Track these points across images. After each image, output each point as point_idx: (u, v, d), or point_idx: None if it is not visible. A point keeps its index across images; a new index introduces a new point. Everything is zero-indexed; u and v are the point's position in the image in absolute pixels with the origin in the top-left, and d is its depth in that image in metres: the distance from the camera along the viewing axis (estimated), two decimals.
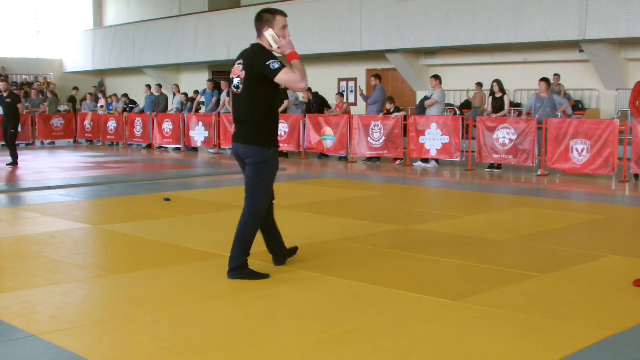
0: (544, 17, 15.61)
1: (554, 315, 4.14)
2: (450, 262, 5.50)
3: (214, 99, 17.95)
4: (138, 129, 19.59)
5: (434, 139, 13.59)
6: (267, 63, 4.75)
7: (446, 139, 13.41)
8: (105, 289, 4.89)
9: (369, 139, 14.53)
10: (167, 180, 11.77)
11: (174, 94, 19.58)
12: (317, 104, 16.28)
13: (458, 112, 17.50)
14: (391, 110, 14.48)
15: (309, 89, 16.12)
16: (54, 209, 8.33)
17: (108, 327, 3.99)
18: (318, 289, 4.79)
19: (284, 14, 4.92)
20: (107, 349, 3.64)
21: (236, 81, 4.95)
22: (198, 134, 17.82)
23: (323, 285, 4.87)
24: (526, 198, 9.47)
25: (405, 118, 14.21)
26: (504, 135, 12.71)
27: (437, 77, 14.11)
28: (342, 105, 15.95)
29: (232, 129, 5.02)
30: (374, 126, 14.46)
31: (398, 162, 14.28)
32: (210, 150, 17.71)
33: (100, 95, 22.74)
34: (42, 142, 21.16)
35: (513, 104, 17.08)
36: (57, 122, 21.28)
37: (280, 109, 16.10)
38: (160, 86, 19.90)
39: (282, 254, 5.37)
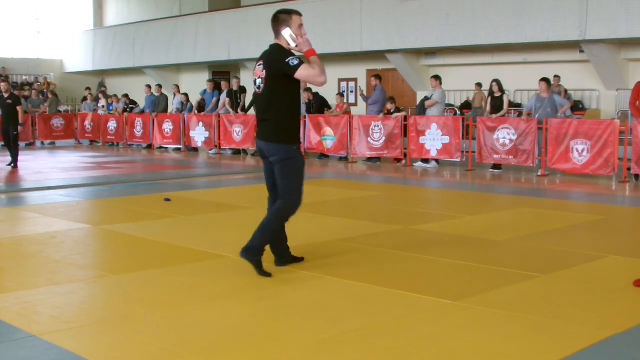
0: (544, 17, 15.61)
1: (554, 315, 4.14)
2: (450, 262, 5.50)
3: (214, 99, 17.95)
4: (138, 129, 19.59)
5: (434, 139, 13.59)
6: (286, 60, 4.90)
7: (446, 139, 13.41)
8: (105, 289, 4.89)
9: (368, 139, 14.53)
10: (167, 180, 11.77)
11: (174, 94, 19.57)
12: (317, 104, 16.27)
13: (458, 112, 17.50)
14: (391, 110, 14.48)
15: (309, 89, 16.12)
16: (54, 209, 8.33)
17: (108, 327, 3.99)
18: (318, 289, 4.79)
19: (299, 13, 5.13)
20: (107, 349, 3.64)
21: (257, 81, 5.11)
22: (198, 134, 17.82)
23: (323, 285, 4.87)
24: (526, 198, 9.47)
25: (405, 118, 14.21)
26: (504, 135, 12.71)
27: (437, 77, 14.11)
28: (342, 105, 15.95)
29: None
30: (374, 126, 14.46)
31: (403, 162, 14.26)
32: (210, 151, 17.71)
33: (100, 95, 22.73)
34: (42, 142, 21.15)
35: (513, 104, 17.08)
36: (57, 122, 21.28)
37: None
38: (160, 86, 19.90)
39: (285, 256, 5.38)
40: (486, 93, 14.26)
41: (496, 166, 13.04)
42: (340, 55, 20.15)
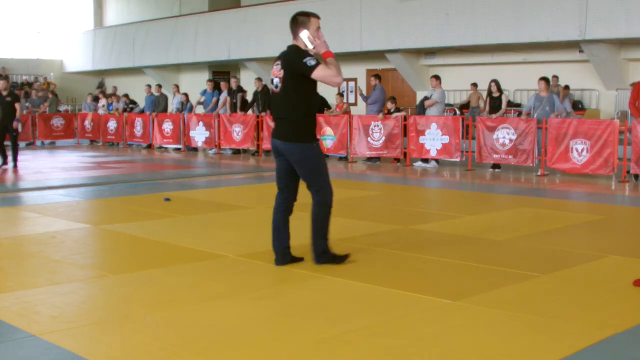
0: (544, 17, 15.61)
1: (554, 315, 4.14)
2: (450, 262, 5.50)
3: (214, 99, 17.95)
4: (138, 129, 19.59)
5: (433, 139, 13.59)
6: (304, 61, 5.01)
7: (446, 139, 13.41)
8: (105, 289, 4.89)
9: (368, 139, 14.53)
10: (167, 180, 11.77)
11: (174, 94, 19.57)
12: (316, 104, 16.25)
13: (458, 112, 17.50)
14: (392, 110, 14.48)
15: None
16: (54, 209, 8.34)
17: (108, 327, 3.99)
18: (318, 289, 4.79)
19: (317, 16, 5.21)
20: (107, 349, 3.64)
21: (275, 81, 5.22)
22: (198, 134, 17.82)
23: (323, 285, 4.87)
24: (526, 198, 9.47)
25: (405, 118, 14.21)
26: (504, 135, 12.71)
27: (437, 77, 14.11)
28: (342, 105, 15.95)
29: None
30: (374, 126, 14.46)
31: (398, 163, 14.26)
32: (210, 151, 17.71)
33: (100, 95, 22.73)
34: (42, 142, 21.15)
35: (513, 104, 17.10)
36: (57, 122, 21.28)
37: None
38: (160, 86, 19.90)
39: (285, 255, 5.40)
40: (482, 93, 14.26)
41: (495, 166, 13.04)
42: (340, 55, 20.10)
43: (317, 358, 3.50)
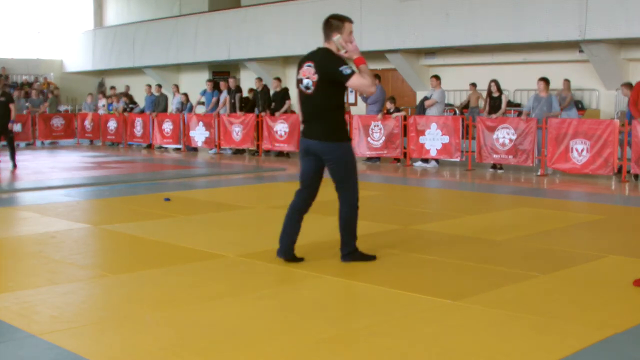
0: (544, 17, 15.60)
1: (554, 315, 4.14)
2: (450, 262, 5.50)
3: (214, 99, 17.95)
4: (138, 129, 19.59)
5: (433, 139, 13.59)
6: (340, 69, 5.12)
7: (446, 139, 13.41)
8: (105, 289, 4.89)
9: (368, 139, 14.53)
10: (167, 180, 11.78)
11: (174, 94, 19.57)
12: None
13: (458, 112, 17.50)
14: (391, 110, 14.48)
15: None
16: (54, 209, 8.33)
17: (108, 327, 3.99)
18: (318, 289, 4.80)
19: (351, 21, 5.30)
20: (107, 349, 3.64)
21: (306, 82, 5.29)
22: (198, 134, 17.82)
23: (323, 285, 4.87)
24: (526, 198, 9.47)
25: (405, 118, 14.21)
26: (504, 135, 12.71)
27: (437, 77, 14.11)
28: None
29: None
30: (374, 126, 14.46)
31: (398, 163, 14.26)
32: (210, 151, 17.71)
33: (100, 95, 22.71)
34: (43, 142, 21.15)
35: (513, 104, 17.09)
36: (57, 122, 21.28)
37: (282, 110, 16.11)
38: (160, 86, 19.90)
39: (289, 250, 5.46)
40: (482, 93, 14.25)
41: (496, 166, 13.03)
42: None
43: (317, 358, 3.50)
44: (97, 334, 3.90)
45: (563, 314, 4.17)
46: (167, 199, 8.98)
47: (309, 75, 5.25)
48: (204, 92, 18.56)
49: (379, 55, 19.39)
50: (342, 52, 5.23)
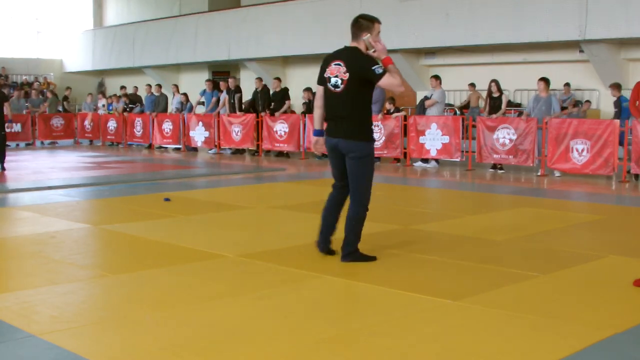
0: (544, 17, 15.61)
1: (554, 315, 4.14)
2: (450, 262, 5.50)
3: (214, 99, 17.95)
4: (138, 129, 19.59)
5: (434, 139, 13.59)
6: (373, 68, 5.17)
7: (446, 139, 13.41)
8: (105, 289, 4.89)
9: None
10: (167, 180, 11.77)
11: (174, 94, 19.57)
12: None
13: (458, 112, 17.50)
14: (391, 111, 14.48)
15: (309, 89, 16.12)
16: (54, 209, 8.33)
17: (108, 327, 3.99)
18: (318, 289, 4.79)
19: (379, 21, 5.35)
20: (107, 349, 3.64)
21: (334, 80, 5.32)
22: (198, 134, 17.82)
23: (323, 285, 4.87)
24: (526, 198, 9.47)
25: (405, 118, 14.21)
26: (504, 135, 12.71)
27: (437, 77, 14.11)
28: None
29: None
30: (374, 126, 14.44)
31: (398, 163, 14.26)
32: (210, 151, 17.71)
33: (100, 95, 22.70)
34: (42, 142, 21.15)
35: (513, 104, 17.09)
36: (57, 122, 21.28)
37: (282, 110, 16.11)
38: (160, 86, 19.90)
39: (327, 243, 5.57)
40: (482, 93, 14.25)
41: (497, 166, 13.03)
42: None
43: (317, 358, 3.50)
44: (97, 334, 3.90)
45: (563, 314, 4.17)
46: (167, 199, 8.98)
47: (338, 74, 5.28)
48: (203, 92, 18.56)
49: None
50: (370, 52, 5.28)
